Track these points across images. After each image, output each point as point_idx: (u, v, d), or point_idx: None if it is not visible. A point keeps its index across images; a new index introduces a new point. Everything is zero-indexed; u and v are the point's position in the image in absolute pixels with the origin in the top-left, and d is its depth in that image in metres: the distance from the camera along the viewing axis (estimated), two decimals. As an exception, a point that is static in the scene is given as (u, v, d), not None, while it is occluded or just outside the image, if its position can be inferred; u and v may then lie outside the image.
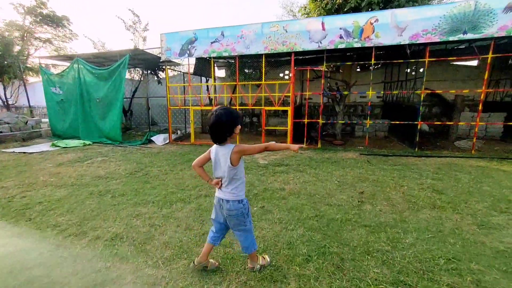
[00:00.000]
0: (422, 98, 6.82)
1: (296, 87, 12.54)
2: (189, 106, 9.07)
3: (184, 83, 8.94)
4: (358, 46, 6.88)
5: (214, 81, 12.00)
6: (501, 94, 9.78)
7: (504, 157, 6.11)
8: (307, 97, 8.48)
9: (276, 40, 7.45)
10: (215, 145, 2.04)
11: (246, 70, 10.90)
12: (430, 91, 7.07)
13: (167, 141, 9.44)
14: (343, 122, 8.21)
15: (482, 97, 6.73)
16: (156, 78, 11.59)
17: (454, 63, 10.37)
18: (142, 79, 11.73)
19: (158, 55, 9.10)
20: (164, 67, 11.12)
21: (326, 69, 13.47)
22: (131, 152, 7.65)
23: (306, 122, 7.91)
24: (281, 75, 12.96)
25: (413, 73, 10.60)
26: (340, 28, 6.90)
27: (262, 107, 8.22)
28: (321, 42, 7.13)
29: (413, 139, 7.18)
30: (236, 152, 1.94)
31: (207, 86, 11.68)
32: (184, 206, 3.71)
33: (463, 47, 10.16)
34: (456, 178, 4.79)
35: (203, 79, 11.47)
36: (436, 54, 9.69)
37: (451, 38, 6.27)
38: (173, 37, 8.45)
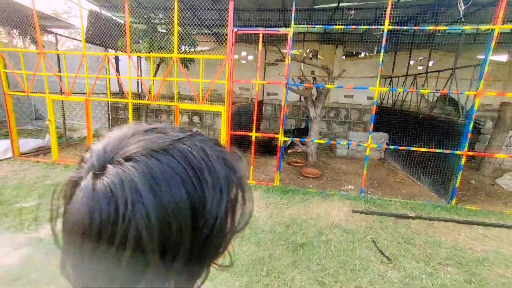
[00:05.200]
0: (476, 107, 3.42)
1: (249, 72, 8.54)
2: (41, 92, 4.76)
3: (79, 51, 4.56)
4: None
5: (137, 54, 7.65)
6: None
7: None
8: (257, 90, 4.70)
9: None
10: None
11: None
12: (495, 93, 3.69)
13: (9, 154, 5.19)
14: (322, 142, 4.65)
15: None
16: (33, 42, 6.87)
17: (479, 56, 7.29)
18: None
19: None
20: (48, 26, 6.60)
21: (299, 52, 9.31)
22: None
23: (254, 137, 4.19)
24: (242, 61, 8.98)
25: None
26: None
27: (175, 103, 4.32)
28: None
29: (442, 178, 3.84)
30: None
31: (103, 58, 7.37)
32: None
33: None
34: None
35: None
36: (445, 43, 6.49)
37: None
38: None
